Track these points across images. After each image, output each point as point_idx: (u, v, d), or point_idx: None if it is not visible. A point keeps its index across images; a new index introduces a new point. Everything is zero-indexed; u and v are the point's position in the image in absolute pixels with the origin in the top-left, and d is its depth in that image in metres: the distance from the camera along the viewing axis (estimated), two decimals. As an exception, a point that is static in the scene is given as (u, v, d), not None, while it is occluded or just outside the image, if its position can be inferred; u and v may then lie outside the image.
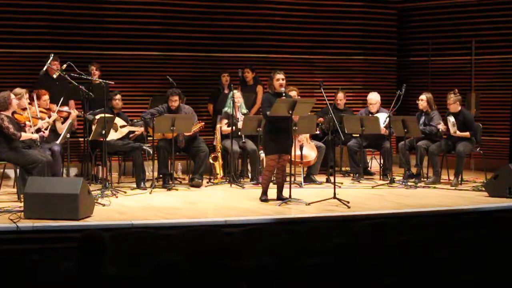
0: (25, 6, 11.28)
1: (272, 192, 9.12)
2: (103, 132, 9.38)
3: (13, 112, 8.89)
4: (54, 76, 10.27)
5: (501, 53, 12.32)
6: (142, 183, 9.99)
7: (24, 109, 9.10)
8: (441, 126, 10.55)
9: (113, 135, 10.07)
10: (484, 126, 11.22)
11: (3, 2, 11.16)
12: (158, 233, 6.54)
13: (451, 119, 10.40)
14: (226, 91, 11.25)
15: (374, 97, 11.27)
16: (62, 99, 9.74)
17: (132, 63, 11.85)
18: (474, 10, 12.55)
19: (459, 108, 10.56)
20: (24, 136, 8.85)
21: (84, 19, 11.57)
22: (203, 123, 10.67)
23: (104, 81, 9.85)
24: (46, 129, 9.33)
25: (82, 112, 10.27)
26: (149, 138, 10.49)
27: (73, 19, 11.49)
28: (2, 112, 8.76)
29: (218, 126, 10.79)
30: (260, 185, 9.46)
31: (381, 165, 11.33)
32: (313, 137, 10.88)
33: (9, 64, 11.17)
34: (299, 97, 10.13)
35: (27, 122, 9.01)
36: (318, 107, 11.31)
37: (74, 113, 9.98)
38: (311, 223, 7.63)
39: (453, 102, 10.51)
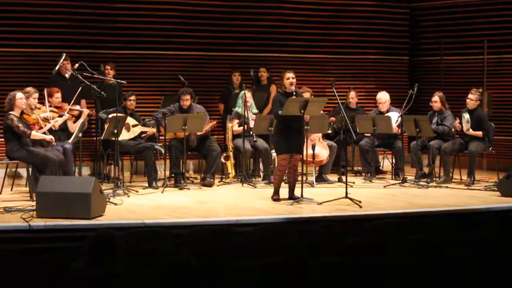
0: (37, 5, 11.30)
1: (284, 191, 9.10)
2: (115, 131, 9.40)
3: (22, 113, 8.91)
4: (66, 75, 10.32)
5: (514, 53, 12.29)
6: (154, 182, 10.00)
7: (33, 109, 9.11)
8: (457, 124, 10.50)
9: (125, 135, 10.08)
10: (496, 125, 11.14)
11: (16, 2, 11.19)
12: (170, 232, 6.50)
13: (466, 116, 10.36)
14: (236, 91, 11.22)
15: (383, 96, 11.26)
16: (74, 98, 9.75)
17: (144, 63, 11.86)
18: (487, 9, 12.48)
19: (476, 106, 10.52)
20: (35, 135, 8.87)
21: (96, 18, 11.59)
22: (215, 121, 10.68)
23: (116, 80, 9.87)
24: (55, 130, 9.35)
25: (95, 111, 10.30)
26: (161, 138, 10.49)
27: (86, 19, 11.51)
28: (10, 112, 8.80)
29: (229, 125, 10.76)
30: (272, 184, 9.46)
31: (393, 164, 11.29)
32: (325, 136, 10.86)
33: (21, 63, 11.19)
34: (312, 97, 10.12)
35: (36, 125, 9.03)
36: (330, 106, 11.30)
37: (86, 111, 9.98)
38: (322, 222, 7.59)
39: (475, 99, 10.48)
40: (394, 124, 10.76)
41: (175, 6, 12.04)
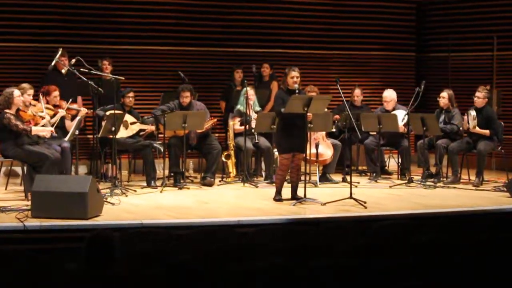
0: (33, -1, 11.32)
1: (286, 191, 9.03)
2: (113, 129, 9.34)
3: (18, 110, 8.81)
4: (63, 71, 10.28)
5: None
6: (152, 181, 9.94)
7: (27, 106, 9.01)
8: (465, 125, 10.45)
9: (123, 133, 10.03)
10: (506, 124, 11.13)
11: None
12: (169, 233, 6.51)
13: (472, 113, 10.31)
14: (238, 88, 11.18)
15: (389, 95, 11.19)
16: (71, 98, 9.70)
17: (143, 58, 11.81)
18: (496, 5, 12.50)
19: (484, 104, 10.45)
20: (35, 130, 8.79)
21: (94, 12, 11.54)
22: (216, 119, 10.67)
23: (114, 76, 9.80)
24: (52, 126, 9.24)
25: (92, 110, 10.18)
26: (160, 136, 10.45)
27: (83, 13, 11.46)
28: (6, 110, 8.70)
29: (230, 123, 10.71)
30: (274, 184, 9.40)
31: (399, 164, 11.22)
32: (329, 135, 10.81)
33: (16, 59, 11.13)
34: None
35: (31, 121, 8.94)
36: (334, 104, 11.23)
37: (84, 111, 9.91)
38: (326, 223, 7.55)
39: (483, 98, 10.44)
40: (401, 123, 10.69)
41: (175, 0, 12.00)
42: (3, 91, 8.86)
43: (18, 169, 9.67)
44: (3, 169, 9.97)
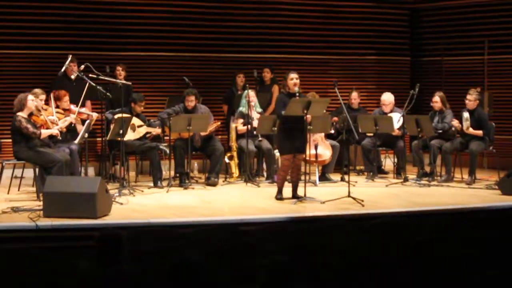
0: (42, 8, 11.32)
1: (287, 190, 9.11)
2: (121, 131, 9.41)
3: (30, 114, 8.92)
4: (72, 77, 10.30)
5: (514, 53, 12.28)
6: (159, 182, 10.00)
7: (40, 110, 9.11)
8: (455, 123, 10.50)
9: (130, 135, 10.05)
10: (497, 125, 11.15)
11: (21, 4, 11.22)
12: (175, 231, 6.54)
13: (465, 114, 10.37)
14: (240, 92, 11.17)
15: (387, 98, 11.23)
16: (81, 100, 9.69)
17: (149, 64, 11.87)
18: (487, 10, 12.51)
19: (476, 106, 10.54)
20: (44, 133, 8.91)
21: (102, 20, 11.61)
22: (219, 122, 10.71)
23: (122, 82, 9.88)
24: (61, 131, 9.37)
25: (102, 114, 10.27)
26: (165, 138, 10.50)
27: (91, 20, 11.54)
28: (18, 113, 8.81)
29: (233, 125, 10.79)
30: (275, 183, 9.50)
31: (395, 164, 11.28)
32: (328, 136, 10.89)
33: (27, 65, 11.23)
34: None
35: (43, 126, 9.04)
36: (332, 107, 11.30)
37: (95, 116, 9.92)
38: (325, 221, 7.64)
39: (474, 100, 10.49)
40: (397, 125, 10.77)
41: (179, 8, 12.04)
42: (18, 95, 8.96)
43: (30, 171, 9.69)
44: (16, 171, 9.95)
